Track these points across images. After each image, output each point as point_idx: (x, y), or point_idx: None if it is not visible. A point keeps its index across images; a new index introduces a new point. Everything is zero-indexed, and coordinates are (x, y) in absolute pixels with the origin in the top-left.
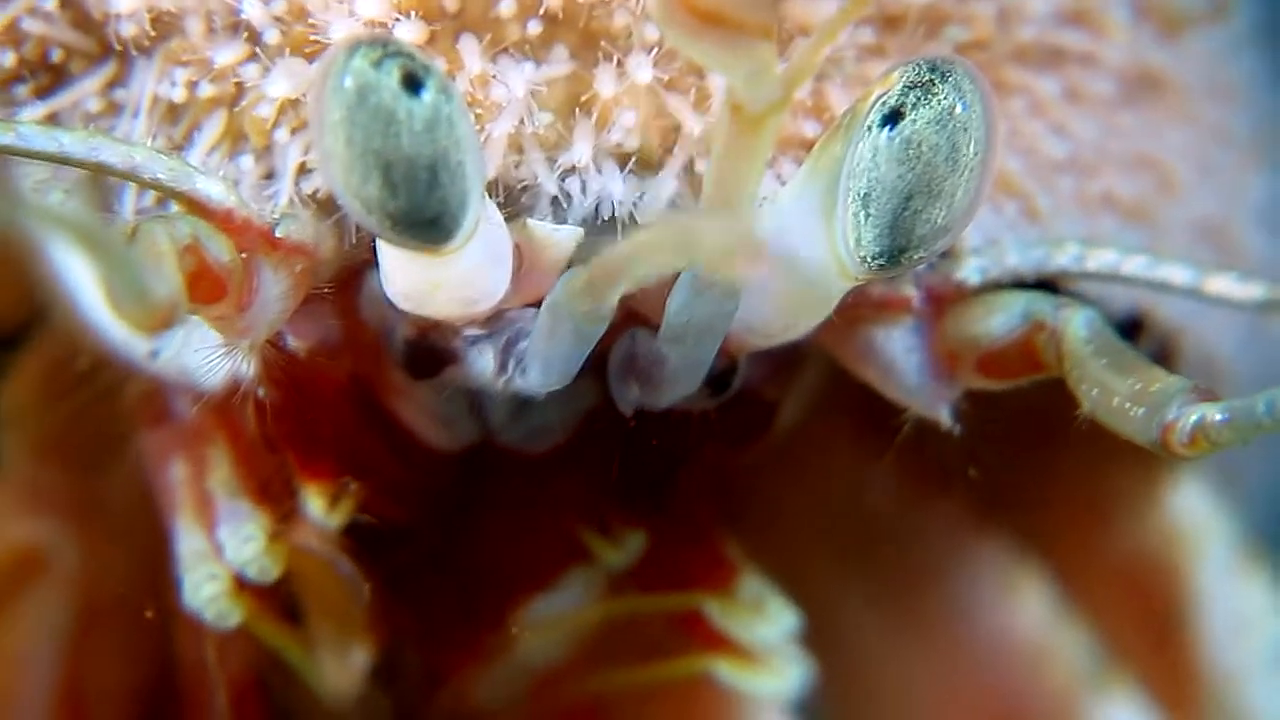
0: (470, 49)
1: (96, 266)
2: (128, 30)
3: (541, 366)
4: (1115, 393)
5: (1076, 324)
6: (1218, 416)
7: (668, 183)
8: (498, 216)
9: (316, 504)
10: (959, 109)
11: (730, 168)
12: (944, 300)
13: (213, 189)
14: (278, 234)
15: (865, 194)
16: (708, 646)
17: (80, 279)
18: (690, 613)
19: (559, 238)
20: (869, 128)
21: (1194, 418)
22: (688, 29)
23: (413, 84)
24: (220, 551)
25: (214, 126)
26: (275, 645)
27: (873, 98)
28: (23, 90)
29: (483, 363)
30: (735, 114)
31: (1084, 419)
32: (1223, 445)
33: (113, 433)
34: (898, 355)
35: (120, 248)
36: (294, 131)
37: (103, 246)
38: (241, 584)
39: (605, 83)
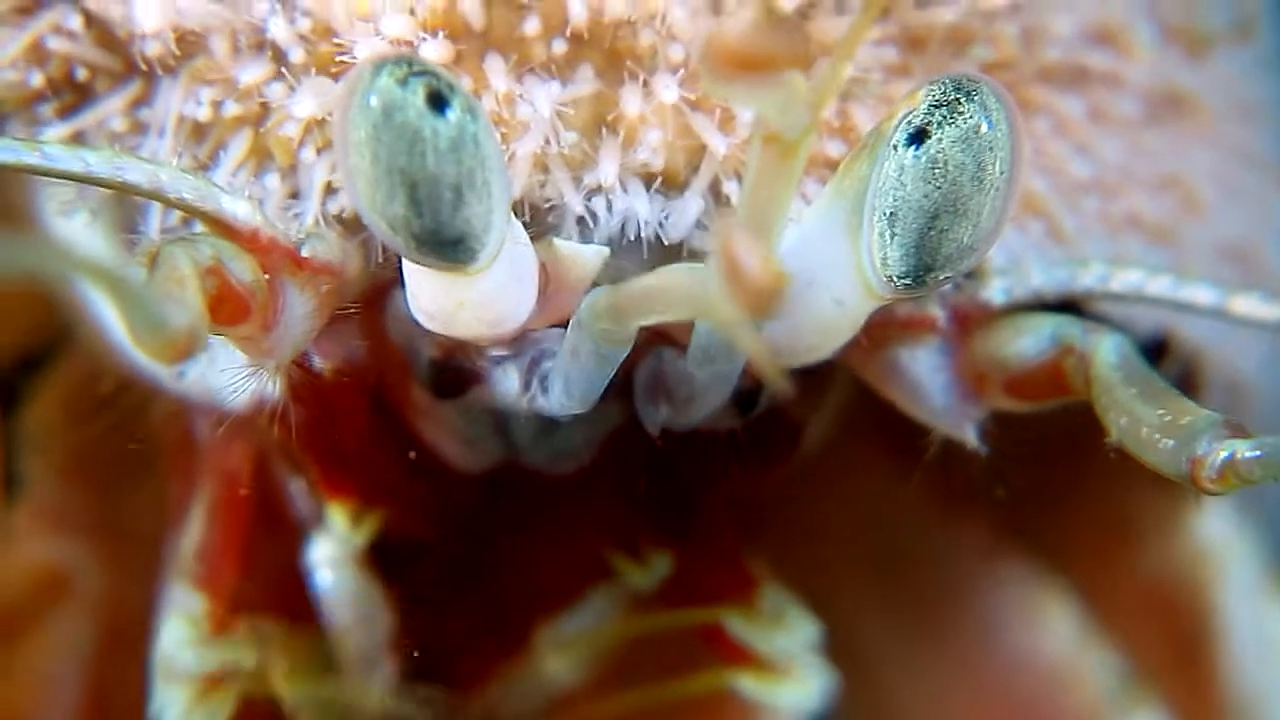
0: (496, 68)
1: (114, 305)
2: (152, 49)
3: (563, 386)
4: (1144, 423)
5: (1106, 350)
6: (1248, 453)
7: (693, 202)
8: (523, 236)
9: (340, 522)
10: (985, 128)
11: (764, 195)
12: (970, 320)
13: (238, 208)
14: (303, 253)
15: (891, 213)
16: (730, 660)
17: (105, 301)
18: (712, 627)
19: (585, 257)
20: (894, 146)
21: (1224, 454)
22: (727, 76)
23: (438, 103)
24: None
25: (239, 146)
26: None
27: (898, 116)
28: (47, 109)
29: (507, 383)
30: (769, 144)
31: (1111, 446)
32: (1253, 482)
33: (137, 453)
34: (924, 375)
35: (137, 285)
36: (320, 150)
37: (119, 286)
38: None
39: (631, 102)
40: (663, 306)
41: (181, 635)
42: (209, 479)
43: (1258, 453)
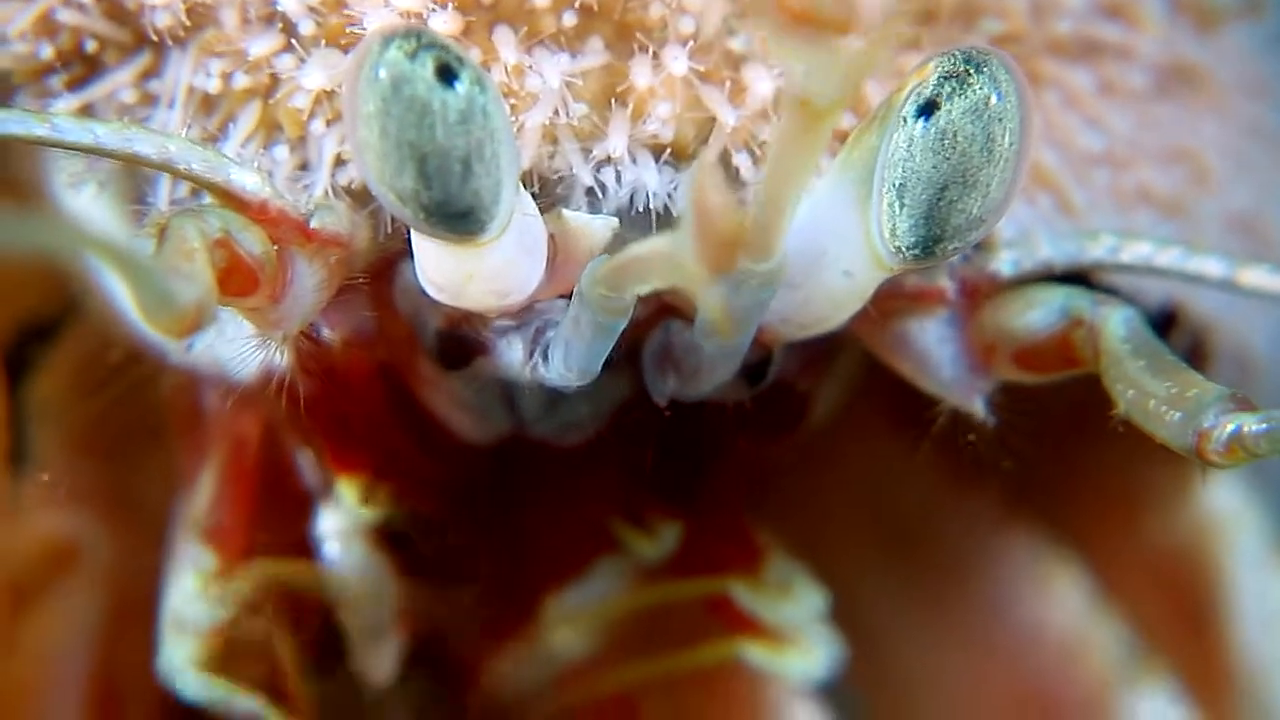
0: (505, 40)
1: (123, 281)
2: (162, 21)
3: (563, 355)
4: (1152, 395)
5: (1115, 322)
6: (1255, 427)
7: None
8: (532, 207)
9: (349, 496)
10: (994, 99)
11: (789, 161)
12: (978, 292)
13: (247, 180)
14: (312, 225)
15: (900, 184)
16: (737, 629)
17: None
18: (719, 597)
19: (594, 228)
20: (904, 118)
21: (1231, 427)
22: (778, 26)
23: (447, 75)
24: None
25: (249, 118)
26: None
27: (908, 88)
28: (56, 81)
29: (512, 353)
30: (800, 109)
31: (1119, 418)
32: (1259, 455)
33: (146, 425)
34: (932, 347)
35: (145, 260)
36: (329, 123)
37: (127, 261)
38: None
39: (640, 74)
40: (647, 273)
41: (192, 589)
42: (219, 444)
43: (1264, 426)
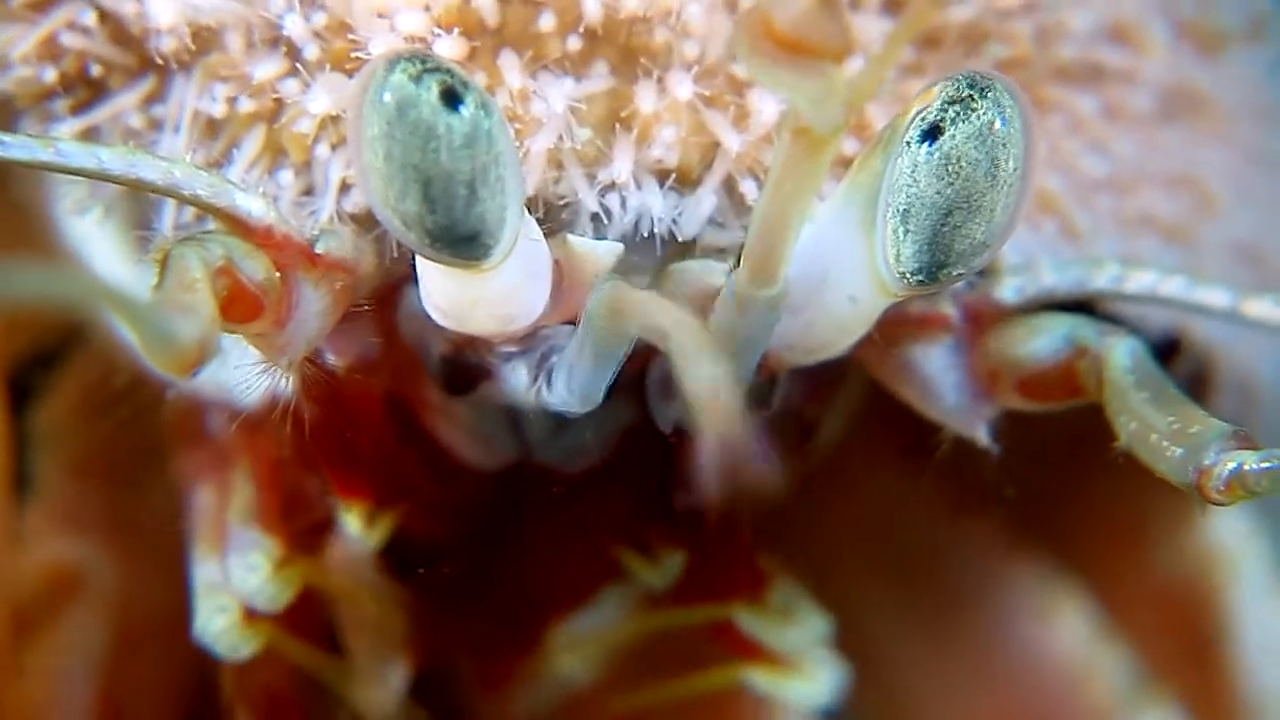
0: (510, 64)
1: (125, 324)
2: (167, 45)
3: (566, 380)
4: (1153, 429)
5: (1119, 353)
6: (1256, 465)
7: (707, 199)
8: (537, 232)
9: (353, 522)
10: (998, 124)
11: (788, 188)
12: (983, 319)
13: (252, 205)
14: (317, 250)
15: (904, 209)
16: (741, 655)
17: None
18: (723, 623)
19: (599, 253)
20: (908, 143)
21: (1232, 465)
22: (768, 57)
23: (452, 99)
24: (229, 580)
25: (253, 142)
26: (308, 666)
27: (912, 113)
28: (60, 106)
29: (517, 379)
30: (799, 136)
31: (1120, 450)
32: (1260, 494)
33: (150, 451)
34: (936, 373)
35: (145, 301)
36: (334, 147)
37: (128, 305)
38: (254, 613)
39: (645, 99)
40: (650, 330)
41: (263, 573)
42: (240, 454)
43: (1265, 464)
